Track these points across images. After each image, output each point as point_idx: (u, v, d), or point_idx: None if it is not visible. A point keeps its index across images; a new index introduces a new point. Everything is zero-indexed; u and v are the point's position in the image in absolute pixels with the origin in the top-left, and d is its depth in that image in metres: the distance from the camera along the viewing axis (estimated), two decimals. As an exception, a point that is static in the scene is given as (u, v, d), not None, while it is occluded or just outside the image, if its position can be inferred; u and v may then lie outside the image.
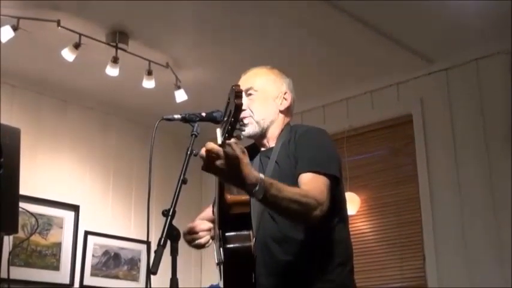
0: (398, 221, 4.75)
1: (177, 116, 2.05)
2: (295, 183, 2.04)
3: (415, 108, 4.78)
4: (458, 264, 4.32)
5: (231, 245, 1.94)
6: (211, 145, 1.74)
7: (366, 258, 4.71)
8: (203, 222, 2.26)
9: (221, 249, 1.98)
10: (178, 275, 1.77)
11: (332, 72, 4.85)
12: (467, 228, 4.33)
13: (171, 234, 1.73)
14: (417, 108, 4.76)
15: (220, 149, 1.73)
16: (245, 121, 2.23)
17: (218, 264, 2.04)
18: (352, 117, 5.11)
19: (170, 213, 1.76)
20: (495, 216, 4.21)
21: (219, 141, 1.72)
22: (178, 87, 4.74)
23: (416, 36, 4.36)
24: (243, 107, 1.80)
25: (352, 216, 4.63)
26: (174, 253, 1.75)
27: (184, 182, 1.83)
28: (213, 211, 2.35)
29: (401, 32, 4.30)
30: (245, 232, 1.96)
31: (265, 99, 2.33)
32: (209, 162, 1.75)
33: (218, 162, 1.74)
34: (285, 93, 2.37)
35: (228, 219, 1.97)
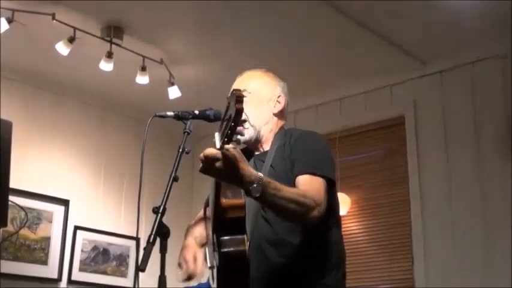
0: (388, 223, 4.76)
1: (169, 113, 2.05)
2: (291, 186, 2.04)
3: (407, 110, 4.79)
4: (446, 267, 4.32)
5: (225, 249, 1.94)
6: (209, 150, 1.76)
7: (355, 259, 4.71)
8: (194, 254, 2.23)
9: (215, 253, 1.97)
10: (167, 273, 1.77)
11: (326, 72, 4.86)
12: (457, 232, 4.34)
13: (161, 232, 1.73)
14: (410, 110, 4.77)
15: (218, 152, 1.75)
16: (245, 125, 2.23)
17: (211, 268, 2.04)
18: (345, 117, 5.11)
19: (160, 211, 1.76)
20: (485, 221, 4.22)
21: (218, 145, 1.74)
22: (172, 84, 4.73)
23: (411, 38, 4.37)
24: (241, 108, 1.80)
25: (342, 216, 4.62)
26: (163, 251, 1.75)
27: (175, 179, 1.84)
28: (204, 213, 2.34)
29: (397, 33, 4.31)
30: (239, 236, 1.96)
31: (259, 102, 2.32)
32: (208, 165, 1.77)
33: (217, 164, 1.76)
34: (278, 97, 2.36)
35: (223, 223, 1.96)
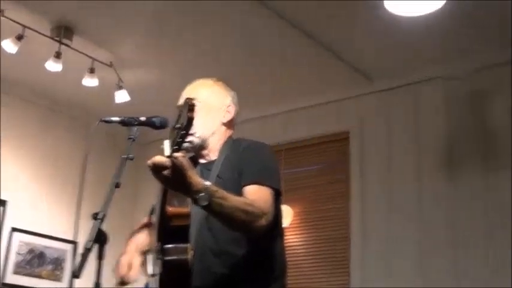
0: (329, 236, 4.81)
1: (115, 119, 2.03)
2: (238, 196, 2.05)
3: (353, 126, 4.86)
4: (382, 284, 4.37)
5: (168, 258, 1.94)
6: (158, 158, 1.76)
7: (294, 272, 4.72)
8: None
9: (158, 261, 1.97)
10: (104, 280, 1.75)
11: (274, 85, 4.90)
12: (394, 249, 4.40)
13: (99, 239, 1.71)
14: (355, 126, 4.85)
15: (167, 160, 1.75)
16: (189, 132, 2.23)
17: (153, 275, 2.03)
18: (291, 130, 5.15)
19: (99, 217, 1.74)
20: (424, 241, 4.30)
21: (167, 152, 1.74)
22: (120, 88, 4.70)
23: (360, 55, 4.44)
24: (190, 117, 1.82)
25: (285, 228, 4.66)
26: (100, 257, 1.73)
27: (117, 186, 1.82)
28: (149, 220, 2.33)
29: (345, 49, 4.37)
30: (183, 245, 1.96)
31: (208, 111, 2.31)
32: (155, 172, 1.77)
33: (165, 172, 1.76)
34: (228, 106, 2.36)
35: (167, 231, 1.97)
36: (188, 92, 2.32)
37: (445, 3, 3.48)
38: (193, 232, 2.07)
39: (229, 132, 2.36)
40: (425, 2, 3.47)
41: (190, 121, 1.72)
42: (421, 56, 4.37)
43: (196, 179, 1.83)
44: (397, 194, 4.52)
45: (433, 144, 4.45)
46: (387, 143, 4.67)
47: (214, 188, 1.87)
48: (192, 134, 2.17)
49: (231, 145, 2.29)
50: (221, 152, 2.28)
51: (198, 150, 2.30)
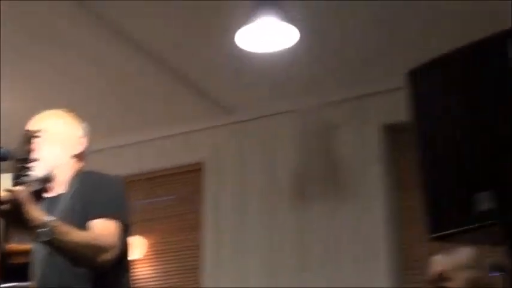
0: (181, 267, 4.82)
1: (-47, 150, 1.93)
2: (85, 230, 2.02)
3: (207, 157, 4.90)
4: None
5: None
6: None
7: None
8: None
9: None
10: None
11: (130, 114, 4.85)
12: (247, 279, 4.45)
13: None
14: (209, 158, 4.89)
15: (4, 194, 1.72)
16: (33, 164, 2.15)
17: None
18: (145, 161, 5.11)
19: None
20: (275, 272, 4.40)
21: (6, 186, 1.69)
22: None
23: (216, 87, 4.51)
24: (32, 149, 1.78)
25: (138, 260, 4.63)
26: None
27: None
28: None
29: (202, 81, 4.43)
30: (23, 284, 1.92)
31: (58, 142, 2.25)
32: None
33: (2, 207, 1.73)
34: (80, 138, 2.32)
35: (8, 269, 1.90)
36: (36, 122, 2.26)
37: (297, 42, 3.62)
38: (37, 269, 2.01)
39: (79, 165, 2.31)
40: (275, 40, 3.57)
41: (28, 154, 1.71)
42: (275, 89, 4.49)
43: (37, 213, 1.80)
44: (249, 225, 4.59)
45: (286, 176, 4.58)
46: (241, 175, 4.75)
47: (56, 223, 1.84)
48: (34, 167, 2.11)
49: (81, 178, 2.24)
50: (70, 185, 2.22)
51: (44, 183, 2.23)
